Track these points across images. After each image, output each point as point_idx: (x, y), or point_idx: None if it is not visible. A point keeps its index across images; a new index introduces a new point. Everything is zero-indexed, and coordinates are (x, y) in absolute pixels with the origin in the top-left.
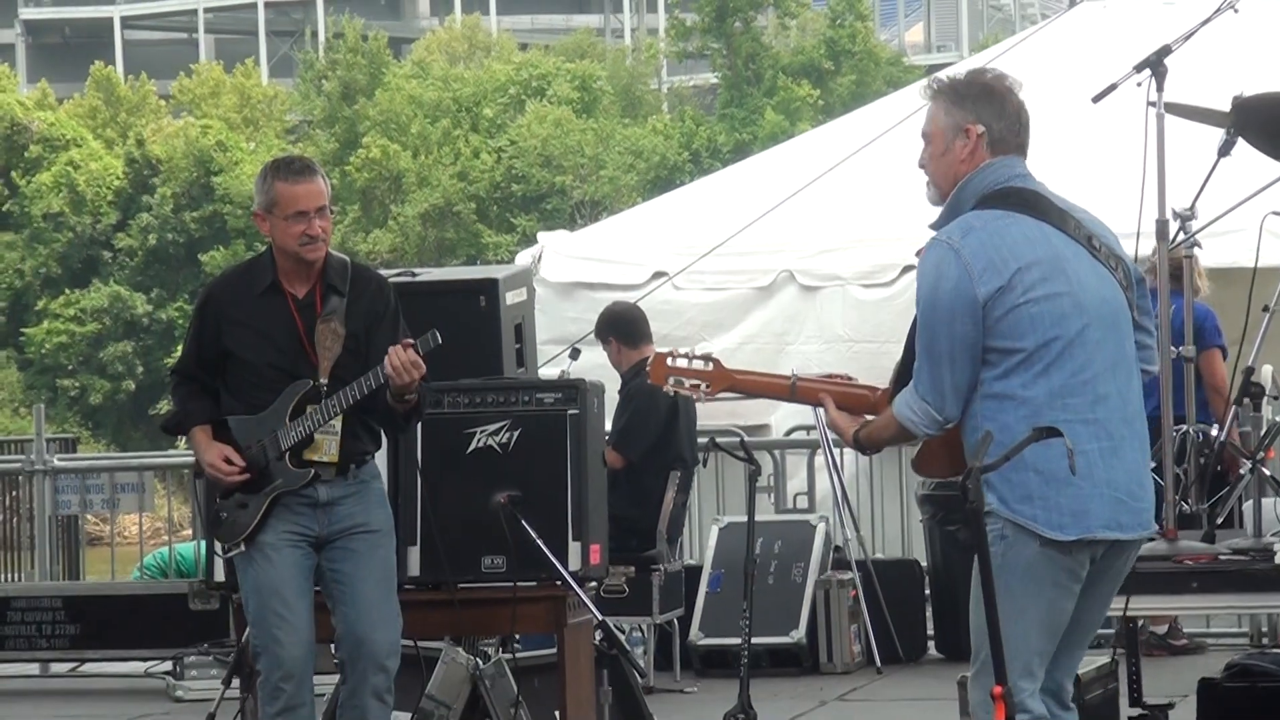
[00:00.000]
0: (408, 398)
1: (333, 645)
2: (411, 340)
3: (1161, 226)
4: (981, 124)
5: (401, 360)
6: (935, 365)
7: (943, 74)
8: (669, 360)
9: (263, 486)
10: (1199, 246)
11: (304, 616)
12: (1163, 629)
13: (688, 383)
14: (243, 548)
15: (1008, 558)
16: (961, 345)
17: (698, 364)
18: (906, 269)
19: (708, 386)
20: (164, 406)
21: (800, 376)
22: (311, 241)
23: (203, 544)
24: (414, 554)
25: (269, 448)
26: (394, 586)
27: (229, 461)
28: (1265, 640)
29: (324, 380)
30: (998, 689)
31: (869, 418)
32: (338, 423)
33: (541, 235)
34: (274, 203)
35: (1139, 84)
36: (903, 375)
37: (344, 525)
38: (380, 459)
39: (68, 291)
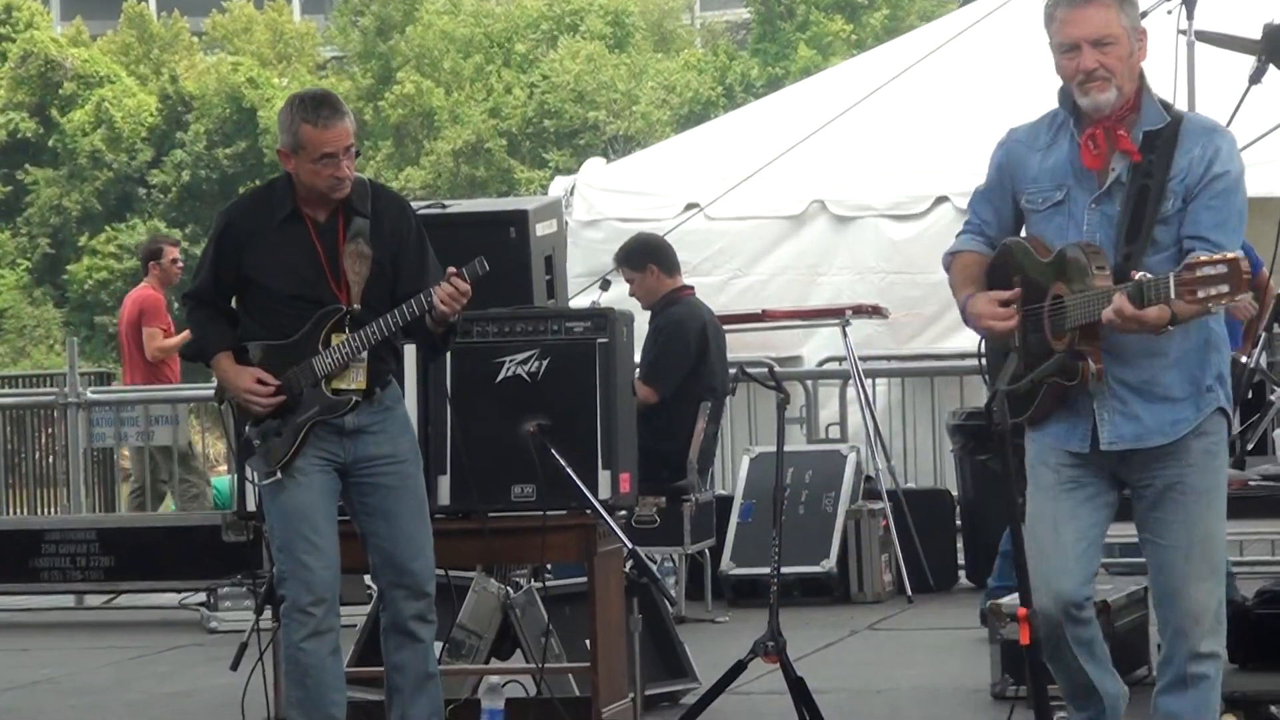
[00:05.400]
0: (452, 319)
1: (367, 576)
2: (456, 270)
3: None
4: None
5: (450, 292)
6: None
7: None
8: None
9: (297, 413)
10: None
11: (332, 541)
12: None
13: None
14: (278, 475)
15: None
16: None
17: None
18: (939, 200)
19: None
20: None
21: None
22: (339, 183)
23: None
24: (444, 483)
25: (302, 375)
26: (426, 512)
27: (262, 384)
28: None
29: (357, 305)
30: (1022, 610)
31: None
32: (365, 350)
33: (583, 167)
34: (300, 145)
35: (1169, 12)
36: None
37: (370, 454)
38: (410, 388)
39: (108, 228)
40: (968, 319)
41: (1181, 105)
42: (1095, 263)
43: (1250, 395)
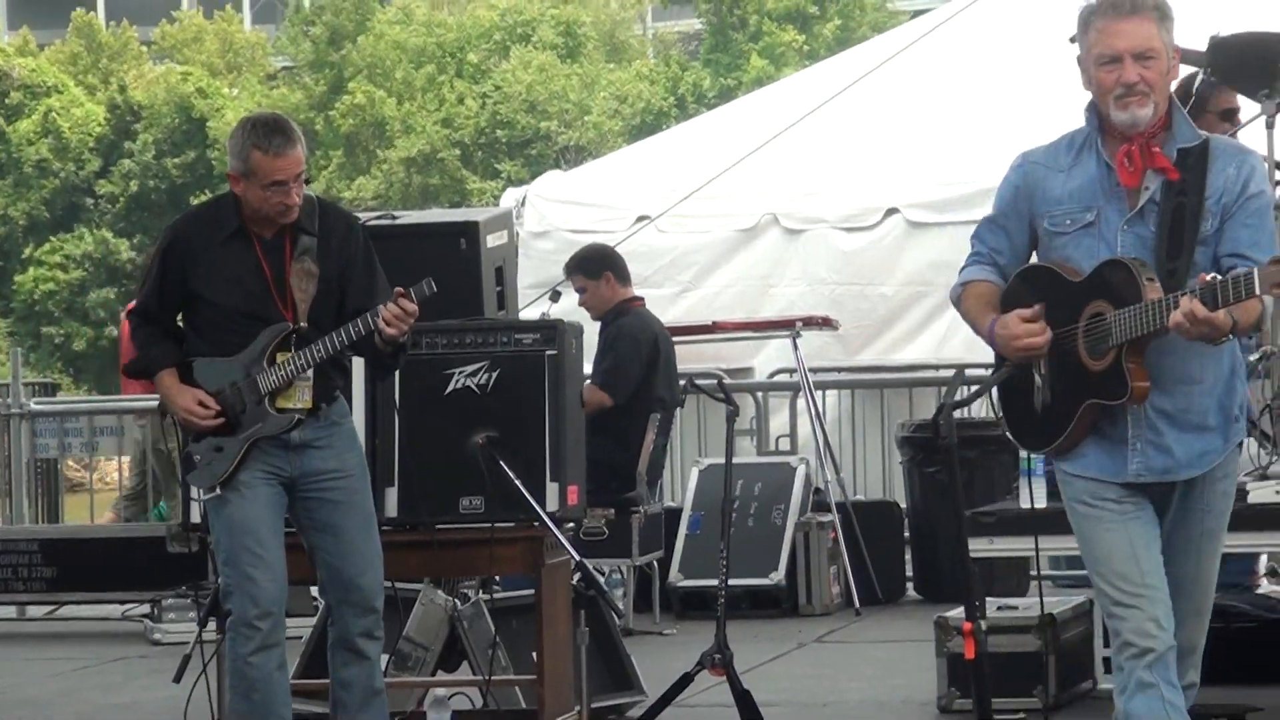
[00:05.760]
0: (401, 340)
1: (315, 589)
2: (404, 290)
3: None
4: None
5: (396, 313)
6: None
7: None
8: None
9: (239, 430)
10: None
11: (278, 554)
12: None
13: None
14: (219, 491)
15: None
16: None
17: None
18: (890, 212)
19: None
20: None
21: None
22: (288, 210)
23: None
24: (392, 495)
25: (246, 392)
26: (374, 526)
27: (203, 405)
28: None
29: (303, 323)
30: (968, 625)
31: None
32: (310, 368)
33: (539, 179)
34: (251, 171)
35: None
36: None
37: (316, 469)
38: (358, 400)
39: (52, 238)
40: (995, 342)
41: None
42: (1145, 274)
43: None
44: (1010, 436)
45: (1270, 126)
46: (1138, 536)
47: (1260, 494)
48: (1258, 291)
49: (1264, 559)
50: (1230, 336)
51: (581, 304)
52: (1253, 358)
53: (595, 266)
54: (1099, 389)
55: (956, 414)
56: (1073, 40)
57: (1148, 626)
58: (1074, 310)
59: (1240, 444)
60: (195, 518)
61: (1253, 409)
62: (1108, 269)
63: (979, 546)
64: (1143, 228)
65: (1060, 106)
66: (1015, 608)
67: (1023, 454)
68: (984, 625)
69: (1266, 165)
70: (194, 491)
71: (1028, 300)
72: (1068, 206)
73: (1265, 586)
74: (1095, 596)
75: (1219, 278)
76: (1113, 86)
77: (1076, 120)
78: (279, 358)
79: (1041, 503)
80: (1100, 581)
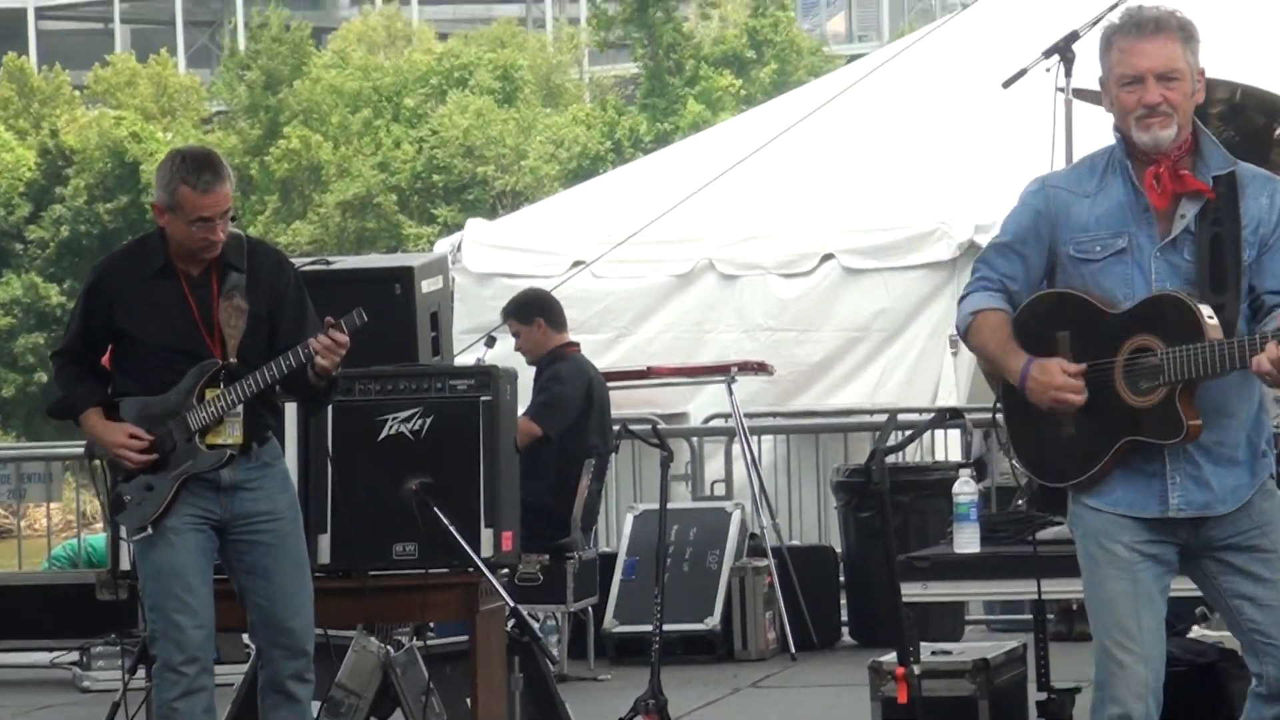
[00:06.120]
0: (334, 375)
1: (245, 634)
2: (334, 320)
3: None
4: None
5: (326, 343)
6: None
7: (1152, 9)
8: None
9: (169, 468)
10: None
11: (206, 601)
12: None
13: None
14: (149, 531)
15: None
16: None
17: None
18: (825, 258)
19: None
20: None
21: None
22: (212, 246)
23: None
24: (324, 541)
25: (175, 429)
26: (306, 569)
27: (135, 439)
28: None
29: (233, 359)
30: (900, 669)
31: None
32: (241, 404)
33: (467, 225)
34: (178, 205)
35: (1048, 69)
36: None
37: (248, 511)
38: (290, 445)
39: None
40: (1024, 384)
41: (1060, 160)
42: (1206, 313)
43: None
44: (1021, 467)
45: None
46: (1143, 591)
47: None
48: None
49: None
50: None
51: (517, 349)
52: None
53: (527, 313)
54: (1144, 426)
55: (892, 459)
56: (1006, 85)
57: (1134, 690)
58: (1111, 342)
59: (1270, 477)
60: (125, 564)
61: None
62: (1158, 303)
63: (913, 591)
64: (1176, 256)
65: (994, 147)
66: (949, 652)
67: (957, 499)
68: (917, 670)
69: None
70: (123, 532)
71: (1049, 328)
72: (1095, 233)
73: (1196, 631)
74: (1094, 639)
75: None
76: (1134, 107)
77: (1006, 160)
78: (208, 394)
79: (974, 547)
80: (1098, 628)
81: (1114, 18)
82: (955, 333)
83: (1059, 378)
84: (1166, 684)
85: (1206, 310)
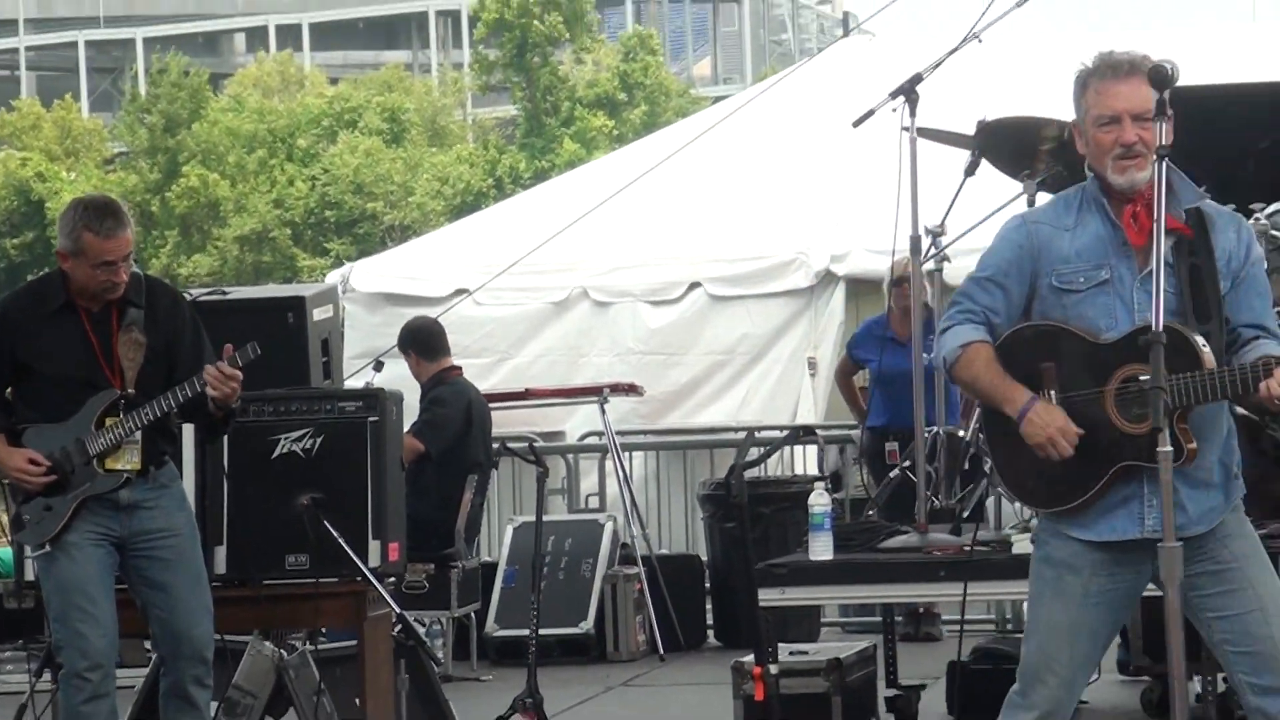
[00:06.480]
0: (233, 405)
1: (148, 643)
2: (232, 350)
3: (914, 242)
4: None
5: (216, 375)
6: None
7: (1123, 53)
8: None
9: (69, 490)
10: (948, 260)
11: (108, 610)
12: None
13: None
14: (48, 548)
15: None
16: None
17: None
18: (692, 286)
19: None
20: None
21: None
22: (115, 287)
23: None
24: (221, 553)
25: (74, 454)
26: (204, 581)
27: (34, 464)
28: (1009, 626)
29: (131, 390)
30: (757, 669)
31: None
32: (139, 431)
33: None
34: (81, 250)
35: (894, 109)
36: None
37: (146, 529)
38: (188, 463)
39: None
40: (1023, 422)
41: (905, 196)
42: (1200, 341)
43: (968, 466)
44: (1008, 492)
45: (1031, 205)
46: (1084, 626)
47: (1024, 545)
48: None
49: None
50: None
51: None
52: None
53: (402, 345)
54: (1142, 452)
55: (754, 473)
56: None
57: (1049, 704)
58: (1101, 371)
59: (1243, 499)
60: (30, 575)
61: None
62: (1149, 333)
63: (771, 596)
64: (1152, 287)
65: (844, 183)
66: (806, 652)
67: (812, 510)
68: (774, 669)
69: None
70: (26, 548)
71: (1034, 358)
72: (1077, 265)
73: None
74: (1024, 642)
75: None
76: (1111, 146)
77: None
78: (108, 421)
79: (828, 555)
80: (1031, 640)
81: (1087, 61)
82: (851, 356)
83: (1066, 425)
84: (1008, 680)
85: (1200, 339)
